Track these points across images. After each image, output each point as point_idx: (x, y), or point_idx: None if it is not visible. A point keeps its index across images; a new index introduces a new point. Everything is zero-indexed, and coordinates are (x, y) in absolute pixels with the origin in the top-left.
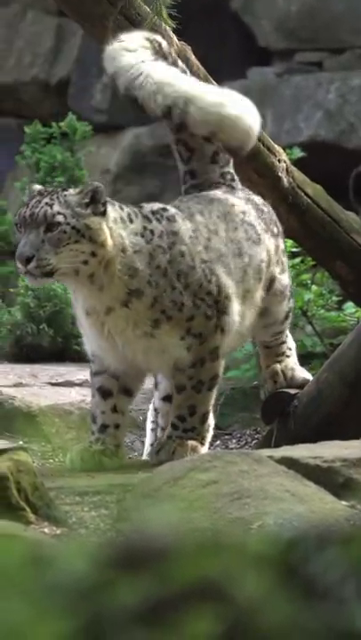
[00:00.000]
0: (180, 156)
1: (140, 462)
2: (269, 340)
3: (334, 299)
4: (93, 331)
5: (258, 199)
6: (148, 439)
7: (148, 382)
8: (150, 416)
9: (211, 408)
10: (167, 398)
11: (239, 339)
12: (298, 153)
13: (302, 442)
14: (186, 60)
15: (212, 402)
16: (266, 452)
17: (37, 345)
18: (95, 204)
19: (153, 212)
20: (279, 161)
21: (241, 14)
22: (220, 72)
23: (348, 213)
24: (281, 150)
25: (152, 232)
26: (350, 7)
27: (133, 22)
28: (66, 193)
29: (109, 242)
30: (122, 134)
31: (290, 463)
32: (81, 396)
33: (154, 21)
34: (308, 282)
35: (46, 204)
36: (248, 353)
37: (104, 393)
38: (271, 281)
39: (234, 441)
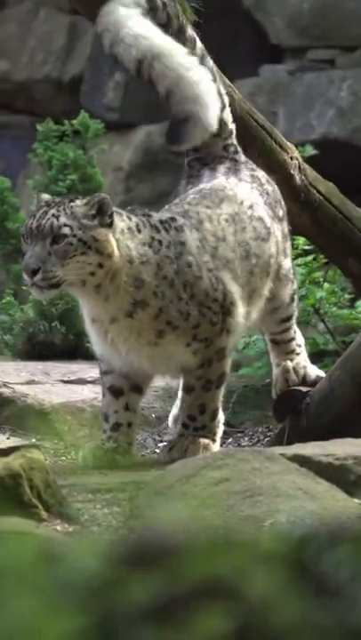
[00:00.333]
0: None
1: (152, 460)
2: (277, 330)
3: (346, 296)
4: (98, 337)
5: (262, 176)
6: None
7: (160, 380)
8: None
9: (220, 405)
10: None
11: (244, 330)
12: (310, 150)
13: (314, 439)
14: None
15: (221, 398)
16: (278, 449)
17: (50, 342)
18: (102, 215)
19: (161, 222)
20: (291, 158)
21: (253, 12)
22: (232, 70)
23: None
24: (293, 148)
25: (160, 242)
26: None
27: None
28: (72, 204)
29: (116, 253)
30: (134, 132)
31: (302, 461)
32: (93, 394)
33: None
34: (321, 279)
35: (53, 215)
36: (260, 351)
37: (115, 392)
38: (277, 268)
39: (246, 438)
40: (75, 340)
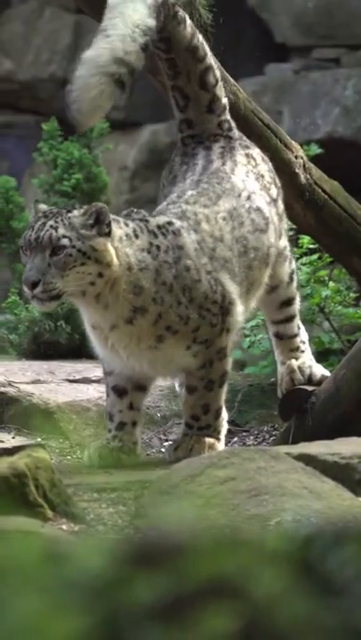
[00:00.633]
0: (176, 104)
1: (157, 459)
2: (279, 317)
3: (352, 295)
4: (99, 343)
5: (257, 153)
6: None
7: (165, 379)
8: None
9: (223, 403)
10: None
11: (243, 321)
12: (315, 149)
13: (320, 438)
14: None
15: (224, 397)
16: (283, 448)
17: (55, 342)
18: (100, 224)
19: (159, 227)
20: (296, 157)
21: (258, 11)
22: (237, 68)
23: None
24: (298, 147)
25: (158, 248)
26: None
27: None
28: (70, 215)
29: (115, 262)
30: (139, 131)
31: (308, 460)
32: (98, 393)
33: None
34: (326, 278)
35: (51, 226)
36: (265, 350)
37: (119, 391)
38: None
39: (251, 438)
40: (80, 340)
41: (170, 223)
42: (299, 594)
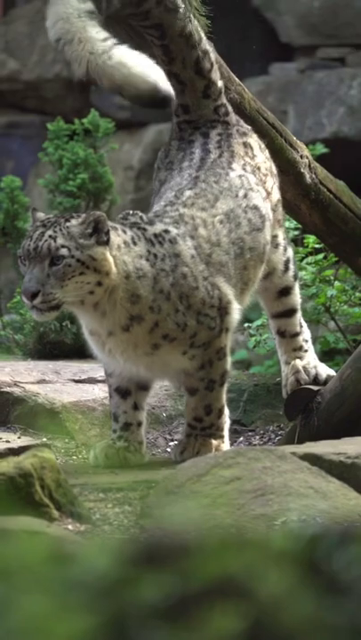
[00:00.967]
0: (172, 89)
1: (163, 459)
2: (278, 309)
3: (357, 295)
4: (97, 348)
5: (254, 141)
6: None
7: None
8: None
9: (224, 402)
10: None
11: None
12: (320, 149)
13: (325, 438)
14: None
15: (225, 396)
16: (289, 448)
17: (60, 342)
18: (98, 233)
19: (156, 236)
20: (302, 157)
21: (263, 10)
22: (242, 68)
23: None
24: (303, 146)
25: (155, 256)
26: None
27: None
28: (68, 224)
29: (114, 270)
30: (144, 131)
31: (313, 459)
32: (104, 393)
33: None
34: (331, 278)
35: (50, 236)
36: (271, 349)
37: (122, 393)
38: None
39: (257, 437)
40: (85, 340)
41: (166, 232)
42: (304, 593)
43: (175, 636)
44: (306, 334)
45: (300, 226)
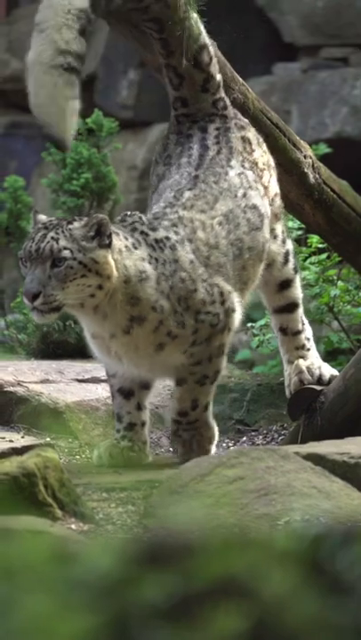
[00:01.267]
0: (170, 82)
1: (166, 458)
2: (280, 303)
3: None
4: (100, 351)
5: (253, 136)
6: None
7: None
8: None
9: (211, 399)
10: None
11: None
12: (324, 149)
13: (329, 438)
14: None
15: (213, 394)
16: (292, 448)
17: (64, 341)
18: (101, 236)
19: (157, 241)
20: (305, 157)
21: (267, 10)
22: (245, 68)
23: None
24: (307, 146)
25: (157, 260)
26: None
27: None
28: (71, 226)
29: (115, 274)
30: (148, 130)
31: (317, 459)
32: (107, 393)
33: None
34: (335, 278)
35: (52, 238)
36: (274, 349)
37: (125, 393)
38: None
39: (260, 437)
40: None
41: (167, 238)
42: (308, 593)
43: (178, 635)
44: (308, 332)
45: (303, 226)
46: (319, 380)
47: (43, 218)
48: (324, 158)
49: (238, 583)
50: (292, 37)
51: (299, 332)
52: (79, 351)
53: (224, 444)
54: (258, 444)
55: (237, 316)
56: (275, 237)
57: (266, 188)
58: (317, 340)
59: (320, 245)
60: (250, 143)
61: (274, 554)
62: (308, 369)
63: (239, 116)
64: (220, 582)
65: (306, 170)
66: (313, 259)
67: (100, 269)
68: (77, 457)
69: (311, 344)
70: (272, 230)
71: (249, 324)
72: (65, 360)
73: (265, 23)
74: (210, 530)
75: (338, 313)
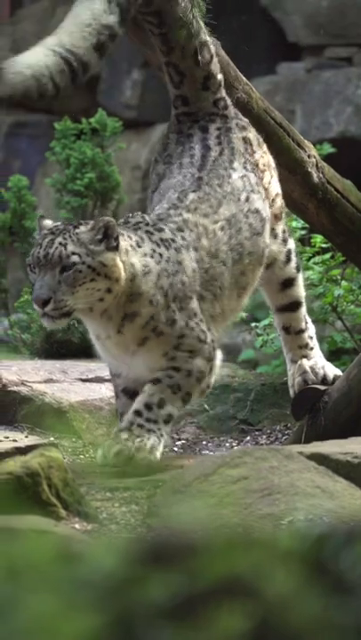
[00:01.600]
0: (171, 80)
1: (169, 458)
2: (283, 302)
3: None
4: (103, 351)
5: (253, 137)
6: None
7: None
8: None
9: (177, 415)
10: None
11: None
12: (328, 148)
13: (332, 438)
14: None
15: (180, 412)
16: (296, 447)
17: (67, 341)
18: (108, 239)
19: (162, 240)
20: (309, 156)
21: (271, 10)
22: (249, 68)
23: None
24: (311, 146)
25: (161, 255)
26: None
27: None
28: (78, 231)
29: (123, 275)
30: (152, 130)
31: (320, 459)
32: (111, 392)
33: (189, 17)
34: (338, 277)
35: (60, 244)
36: (278, 349)
37: (129, 394)
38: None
39: (264, 437)
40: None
41: (173, 240)
42: (311, 593)
43: (182, 635)
44: (311, 331)
45: (307, 225)
46: (323, 380)
47: (48, 223)
48: (328, 158)
49: (242, 583)
50: (296, 37)
51: (302, 331)
52: (83, 351)
53: (227, 444)
54: (261, 444)
55: (217, 365)
56: (275, 237)
57: (266, 189)
58: (321, 340)
59: (324, 245)
60: (251, 144)
61: (277, 553)
62: (312, 369)
63: (240, 115)
64: (224, 582)
65: (310, 169)
66: (317, 258)
67: (109, 272)
68: (81, 456)
69: (314, 343)
70: (272, 230)
71: (253, 324)
72: (69, 360)
73: (269, 23)
74: (213, 529)
75: (342, 313)
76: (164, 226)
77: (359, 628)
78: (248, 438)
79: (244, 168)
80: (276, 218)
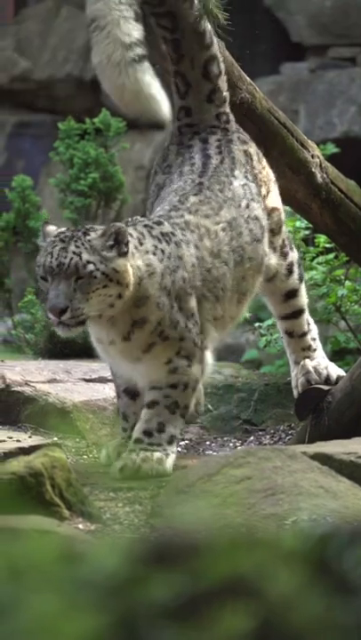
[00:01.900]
0: (177, 90)
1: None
2: (286, 311)
3: None
4: (104, 354)
5: (254, 152)
6: None
7: None
8: None
9: (178, 433)
10: None
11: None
12: (331, 148)
13: (336, 438)
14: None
15: (181, 428)
16: (300, 447)
17: (71, 341)
18: (119, 245)
19: (163, 234)
20: (313, 156)
21: (274, 10)
22: (253, 68)
23: None
24: (314, 146)
25: (163, 252)
26: None
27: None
28: (89, 237)
29: (132, 280)
30: (155, 130)
31: (324, 459)
32: (114, 392)
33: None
34: (342, 277)
35: (74, 253)
36: (281, 349)
37: (131, 394)
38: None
39: (267, 437)
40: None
41: (173, 234)
42: (314, 593)
43: (185, 635)
44: (313, 332)
45: (310, 225)
46: (326, 380)
47: (52, 229)
48: (331, 158)
49: (245, 583)
50: (299, 37)
51: (305, 334)
52: (86, 351)
53: (231, 444)
54: (265, 444)
55: (209, 365)
56: (273, 250)
57: (265, 197)
58: (324, 340)
59: (327, 245)
60: (251, 158)
61: (281, 553)
62: (315, 369)
63: (241, 130)
64: (227, 582)
65: (313, 169)
66: (320, 258)
67: (121, 278)
68: (85, 457)
69: (317, 344)
70: (270, 243)
71: (256, 324)
72: (72, 360)
73: (273, 23)
74: (217, 529)
75: (345, 313)
76: (164, 221)
77: None
78: (252, 438)
79: (245, 177)
80: (273, 232)
